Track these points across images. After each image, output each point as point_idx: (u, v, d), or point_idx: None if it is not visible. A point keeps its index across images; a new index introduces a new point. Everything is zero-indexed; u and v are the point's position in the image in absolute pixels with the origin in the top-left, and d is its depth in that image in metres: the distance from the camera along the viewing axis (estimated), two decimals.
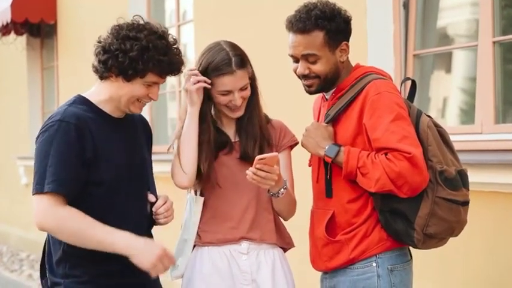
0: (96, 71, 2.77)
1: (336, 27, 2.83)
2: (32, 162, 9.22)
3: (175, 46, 2.77)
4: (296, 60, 2.88)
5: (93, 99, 2.81)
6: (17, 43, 10.41)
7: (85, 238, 2.64)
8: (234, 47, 3.01)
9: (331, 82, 2.89)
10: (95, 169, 2.71)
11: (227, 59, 2.95)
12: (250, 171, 2.81)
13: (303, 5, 2.88)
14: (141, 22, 2.75)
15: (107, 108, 2.80)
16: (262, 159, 2.78)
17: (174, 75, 2.82)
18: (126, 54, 2.66)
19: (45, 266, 2.83)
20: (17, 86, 11.07)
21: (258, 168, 2.79)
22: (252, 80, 3.04)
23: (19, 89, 10.97)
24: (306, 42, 2.82)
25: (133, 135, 2.90)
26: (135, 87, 2.73)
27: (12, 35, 10.00)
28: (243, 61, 2.97)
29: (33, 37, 10.37)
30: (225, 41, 3.04)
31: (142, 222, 2.88)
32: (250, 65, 3.02)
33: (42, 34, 10.37)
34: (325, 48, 2.83)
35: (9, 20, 9.41)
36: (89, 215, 2.69)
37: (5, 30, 9.80)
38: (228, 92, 2.96)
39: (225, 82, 2.94)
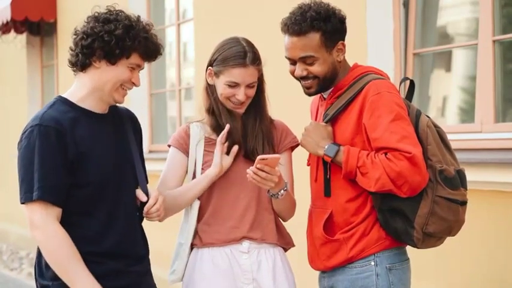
0: (76, 63, 2.74)
1: (331, 28, 2.82)
2: None
3: (151, 30, 2.78)
4: (293, 62, 2.88)
5: (74, 97, 2.77)
6: (17, 41, 10.42)
7: (60, 268, 2.63)
8: (250, 44, 3.03)
9: (330, 82, 2.89)
10: (80, 171, 2.68)
11: (242, 52, 2.96)
12: (250, 171, 2.81)
13: (297, 6, 2.87)
14: (118, 10, 2.76)
15: (89, 104, 2.76)
16: (263, 159, 2.77)
17: (155, 58, 2.81)
18: (111, 33, 2.66)
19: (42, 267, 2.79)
20: (17, 84, 11.08)
21: (258, 168, 2.79)
22: (260, 81, 3.05)
23: (19, 87, 10.97)
24: (303, 44, 2.81)
25: (120, 130, 2.87)
26: (120, 70, 2.72)
27: (12, 33, 10.01)
28: (256, 59, 2.99)
29: (33, 35, 10.38)
30: (243, 37, 3.06)
31: (133, 219, 2.84)
32: (262, 67, 3.03)
33: (42, 32, 10.38)
34: (322, 49, 2.83)
35: (9, 18, 9.41)
36: (75, 216, 2.69)
37: (5, 28, 9.80)
38: (235, 85, 2.96)
39: (235, 74, 2.95)
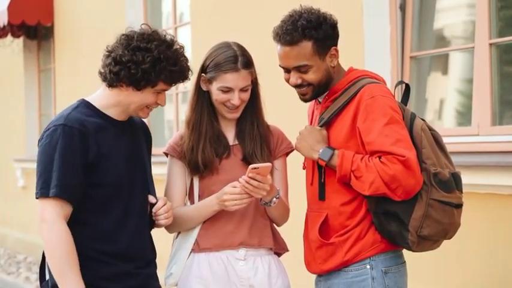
0: (105, 79, 2.79)
1: (323, 35, 2.81)
2: (28, 165, 9.23)
3: (182, 53, 2.81)
4: (287, 70, 2.88)
5: (98, 103, 2.83)
6: (14, 45, 10.42)
7: (55, 266, 2.67)
8: (242, 48, 3.02)
9: (325, 88, 2.89)
10: (97, 172, 2.74)
11: (233, 57, 2.96)
12: (243, 180, 2.82)
13: (287, 15, 2.86)
14: (150, 31, 2.77)
15: (111, 113, 2.83)
16: (255, 168, 2.78)
17: (182, 82, 2.88)
18: (138, 66, 2.70)
19: (45, 268, 2.84)
20: (14, 88, 11.07)
21: (250, 177, 2.80)
22: (255, 85, 3.05)
23: (16, 92, 10.97)
24: (296, 54, 2.81)
25: (135, 138, 2.93)
26: (146, 96, 2.78)
27: (9, 37, 10.01)
28: (248, 62, 2.98)
29: (30, 39, 10.37)
30: (235, 42, 3.05)
31: (143, 224, 2.90)
32: (255, 70, 3.03)
33: (39, 36, 10.37)
34: (315, 56, 2.82)
35: (6, 22, 9.40)
36: (89, 216, 2.75)
37: (2, 32, 9.79)
38: (229, 90, 2.96)
39: (228, 79, 2.95)
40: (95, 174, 2.74)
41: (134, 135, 2.93)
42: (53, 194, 2.66)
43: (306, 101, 2.94)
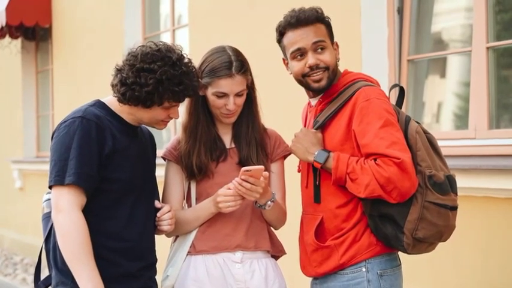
0: (115, 95, 2.82)
1: (329, 23, 2.89)
2: (25, 166, 9.20)
3: (188, 71, 2.79)
4: (303, 54, 2.86)
5: (113, 106, 2.86)
6: (12, 46, 10.42)
7: (71, 254, 2.66)
8: (237, 52, 3.01)
9: (333, 78, 2.88)
10: (110, 167, 2.77)
11: (228, 62, 2.95)
12: (236, 182, 2.83)
13: (291, 10, 2.89)
14: (155, 50, 2.76)
15: (125, 117, 2.87)
16: (248, 171, 2.79)
17: (191, 97, 2.91)
18: (142, 88, 2.73)
19: (40, 269, 2.85)
20: (12, 89, 11.07)
21: (243, 179, 2.81)
22: (251, 89, 3.05)
23: (13, 93, 10.97)
24: (314, 31, 2.85)
25: (144, 144, 2.97)
26: (155, 112, 2.82)
27: (7, 38, 10.01)
28: (243, 67, 2.97)
29: (28, 40, 10.37)
30: (230, 46, 3.04)
31: (149, 225, 2.92)
32: (251, 74, 3.02)
33: (37, 37, 10.38)
34: (328, 39, 2.88)
35: (4, 23, 9.40)
36: (98, 211, 2.76)
37: (0, 33, 9.80)
38: (224, 95, 2.96)
39: (222, 84, 2.95)
40: (108, 168, 2.76)
41: (144, 141, 2.97)
42: (70, 181, 2.68)
43: (320, 88, 2.88)
